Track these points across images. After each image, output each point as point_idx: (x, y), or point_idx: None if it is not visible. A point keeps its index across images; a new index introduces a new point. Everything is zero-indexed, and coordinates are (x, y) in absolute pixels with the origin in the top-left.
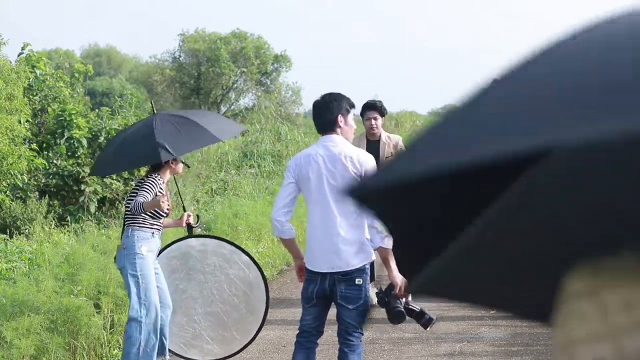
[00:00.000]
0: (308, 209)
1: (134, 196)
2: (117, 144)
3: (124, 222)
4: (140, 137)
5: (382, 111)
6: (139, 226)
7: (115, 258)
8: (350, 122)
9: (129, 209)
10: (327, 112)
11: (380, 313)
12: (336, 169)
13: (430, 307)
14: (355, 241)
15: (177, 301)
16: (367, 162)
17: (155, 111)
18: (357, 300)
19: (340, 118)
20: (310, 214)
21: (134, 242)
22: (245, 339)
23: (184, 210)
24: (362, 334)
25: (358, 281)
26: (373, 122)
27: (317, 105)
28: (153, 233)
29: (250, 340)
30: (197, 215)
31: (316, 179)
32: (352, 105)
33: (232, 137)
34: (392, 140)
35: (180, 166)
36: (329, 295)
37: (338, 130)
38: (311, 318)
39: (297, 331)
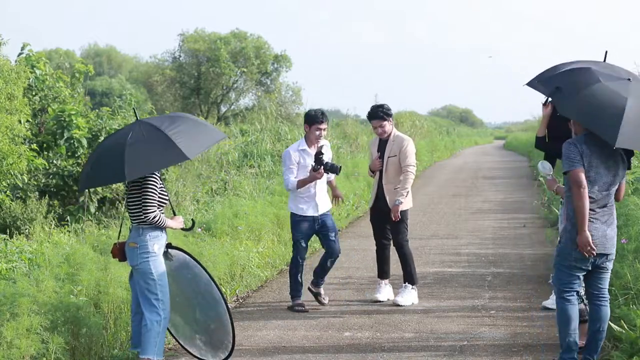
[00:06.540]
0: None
1: (137, 197)
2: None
3: (131, 220)
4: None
5: (384, 117)
6: (148, 225)
7: (112, 253)
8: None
9: (137, 210)
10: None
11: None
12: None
13: (433, 308)
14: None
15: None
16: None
17: (138, 117)
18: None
19: (305, 127)
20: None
21: (146, 240)
22: (223, 354)
23: (174, 214)
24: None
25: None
26: (380, 129)
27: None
28: (162, 229)
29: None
30: (193, 220)
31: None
32: (310, 120)
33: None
34: (397, 140)
35: None
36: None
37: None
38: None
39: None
